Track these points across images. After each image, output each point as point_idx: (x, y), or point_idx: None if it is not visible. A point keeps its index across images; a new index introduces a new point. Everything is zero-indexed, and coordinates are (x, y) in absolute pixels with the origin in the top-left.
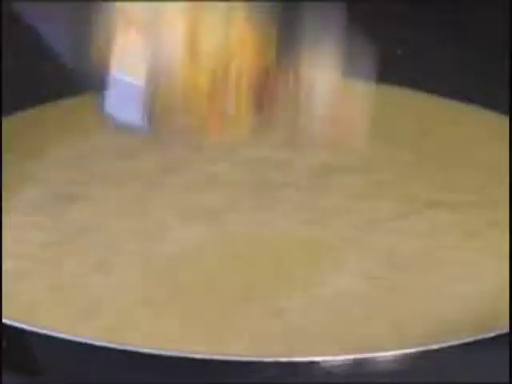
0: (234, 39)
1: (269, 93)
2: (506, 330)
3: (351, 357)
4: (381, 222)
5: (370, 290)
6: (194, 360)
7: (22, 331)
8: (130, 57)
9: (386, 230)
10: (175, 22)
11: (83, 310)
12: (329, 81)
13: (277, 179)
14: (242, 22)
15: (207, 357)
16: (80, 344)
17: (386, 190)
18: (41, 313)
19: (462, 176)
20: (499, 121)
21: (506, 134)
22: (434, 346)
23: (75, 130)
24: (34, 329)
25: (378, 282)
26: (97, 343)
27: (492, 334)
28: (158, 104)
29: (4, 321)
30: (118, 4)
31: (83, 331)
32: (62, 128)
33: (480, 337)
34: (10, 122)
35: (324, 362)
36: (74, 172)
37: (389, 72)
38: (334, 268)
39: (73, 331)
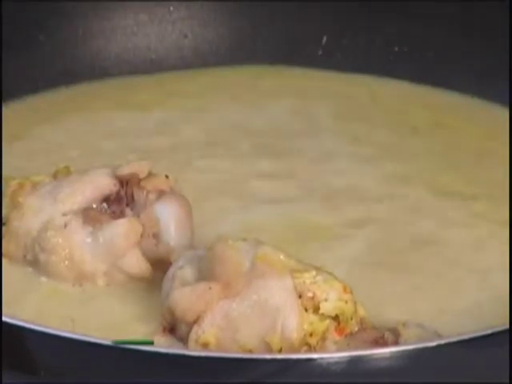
0: None
1: None
2: (506, 327)
3: (348, 354)
4: (407, 207)
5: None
6: (193, 358)
7: (22, 331)
8: None
9: (416, 216)
10: None
11: None
12: None
13: None
14: None
15: (205, 354)
16: (80, 343)
17: (409, 179)
18: None
19: (476, 169)
20: (501, 113)
21: (506, 127)
22: (432, 344)
23: None
24: (34, 328)
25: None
26: (97, 342)
27: (491, 331)
28: None
29: (4, 320)
30: None
31: None
32: None
33: (479, 334)
34: None
35: (321, 359)
36: None
37: (391, 67)
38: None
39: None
